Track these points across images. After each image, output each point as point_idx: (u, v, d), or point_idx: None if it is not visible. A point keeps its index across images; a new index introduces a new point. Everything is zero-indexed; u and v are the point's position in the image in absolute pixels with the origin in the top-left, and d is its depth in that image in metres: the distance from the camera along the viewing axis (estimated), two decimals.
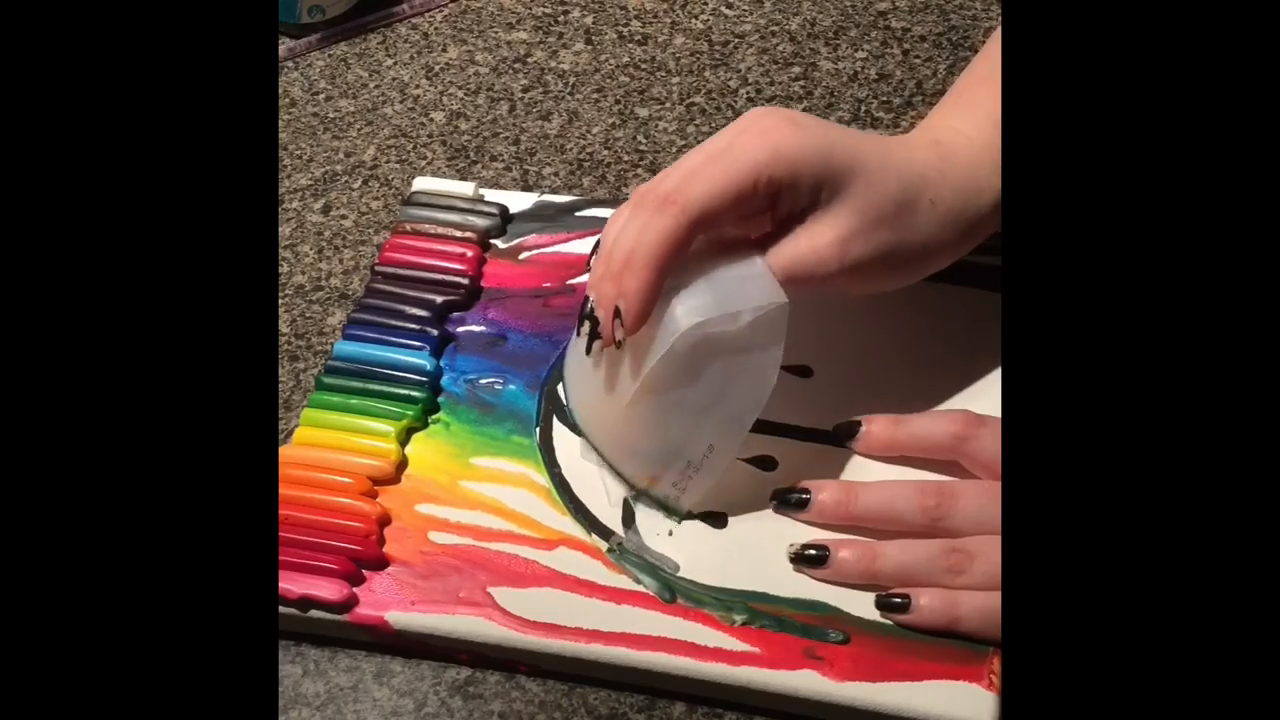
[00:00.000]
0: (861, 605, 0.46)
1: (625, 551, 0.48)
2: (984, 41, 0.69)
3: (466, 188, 0.60)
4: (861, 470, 0.49)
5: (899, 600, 0.45)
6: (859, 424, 0.50)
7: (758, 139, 0.46)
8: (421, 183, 0.61)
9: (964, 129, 0.50)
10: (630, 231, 0.46)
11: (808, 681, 0.44)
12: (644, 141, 0.65)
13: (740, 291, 0.46)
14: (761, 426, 0.50)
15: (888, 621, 0.45)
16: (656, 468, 0.48)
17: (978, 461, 0.48)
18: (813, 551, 0.47)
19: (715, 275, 0.46)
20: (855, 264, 0.47)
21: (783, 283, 0.46)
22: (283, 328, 0.57)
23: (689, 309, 0.45)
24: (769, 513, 0.49)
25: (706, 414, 0.47)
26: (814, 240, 0.47)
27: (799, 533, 0.48)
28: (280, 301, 0.58)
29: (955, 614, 0.45)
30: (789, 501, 0.48)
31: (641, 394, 0.46)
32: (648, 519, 0.49)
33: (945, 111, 0.52)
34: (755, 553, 0.48)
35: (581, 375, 0.50)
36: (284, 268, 0.60)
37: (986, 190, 0.49)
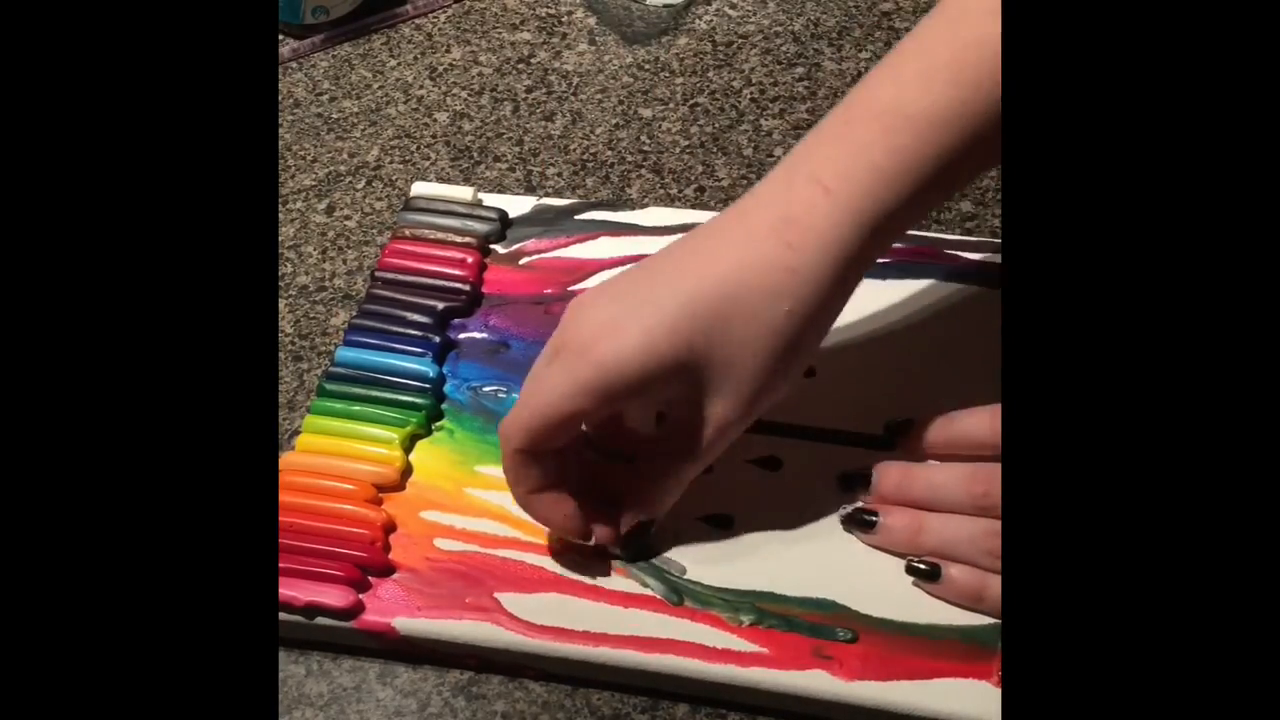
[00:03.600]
0: (869, 603, 0.46)
1: None
2: None
3: (465, 192, 0.60)
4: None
5: (928, 569, 0.46)
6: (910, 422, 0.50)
7: (582, 366, 0.43)
8: (420, 188, 0.61)
9: (828, 180, 0.44)
10: None
11: (817, 681, 0.44)
12: (647, 142, 0.65)
13: None
14: (766, 427, 0.50)
15: (896, 619, 0.46)
16: None
17: None
18: (863, 516, 0.48)
19: None
20: (735, 430, 0.46)
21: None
22: (286, 328, 0.57)
23: None
24: (774, 512, 0.49)
25: None
26: (683, 443, 0.46)
27: (805, 533, 0.48)
28: (284, 302, 0.58)
29: (982, 593, 0.45)
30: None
31: None
32: None
33: (809, 151, 0.45)
34: (761, 552, 0.48)
35: None
36: (288, 268, 0.60)
37: (851, 258, 0.44)
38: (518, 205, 0.60)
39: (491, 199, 0.60)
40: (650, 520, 0.47)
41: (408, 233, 0.58)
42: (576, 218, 0.59)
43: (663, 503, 0.47)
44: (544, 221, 0.59)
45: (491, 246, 0.58)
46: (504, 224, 0.59)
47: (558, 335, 0.45)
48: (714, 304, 0.43)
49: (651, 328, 0.43)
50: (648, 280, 0.45)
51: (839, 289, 0.44)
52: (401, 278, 0.57)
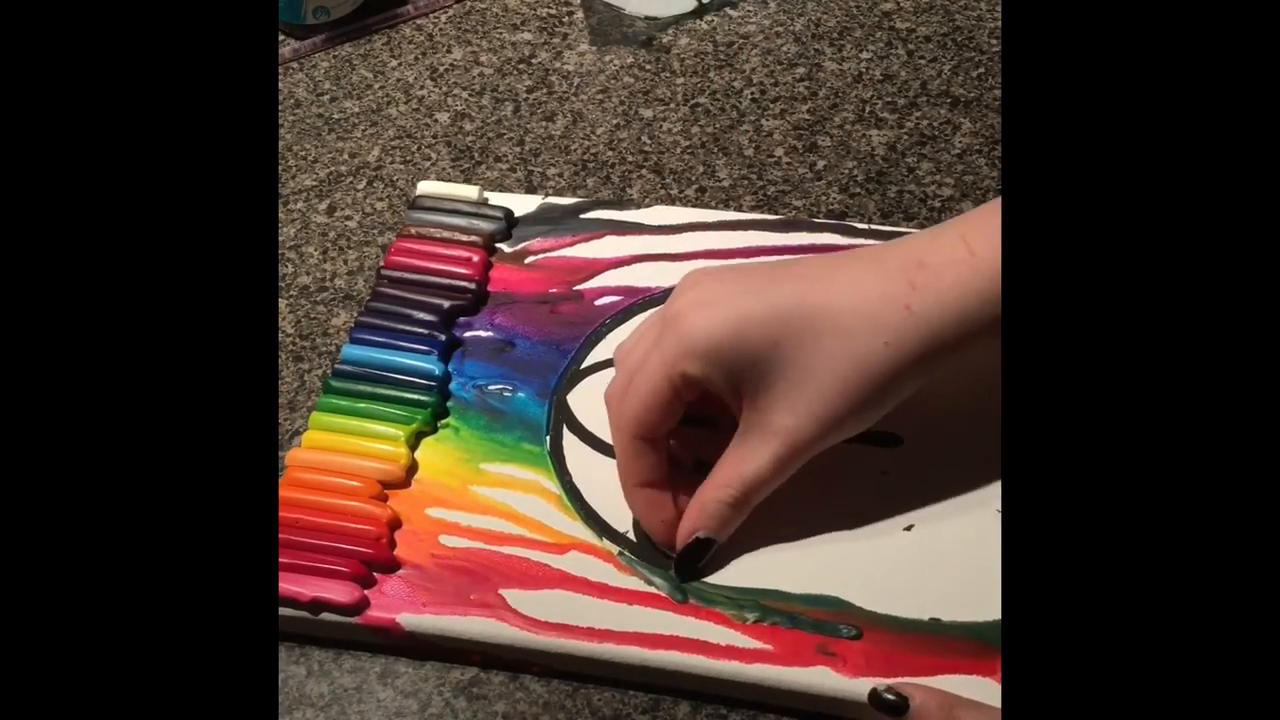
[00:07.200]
0: (874, 600, 0.46)
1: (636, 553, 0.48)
2: (989, 42, 0.69)
3: (471, 191, 0.60)
4: (864, 465, 0.50)
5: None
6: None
7: (671, 336, 0.45)
8: (426, 186, 0.61)
9: (975, 242, 0.44)
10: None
11: (821, 678, 0.44)
12: (648, 142, 0.65)
13: None
14: None
15: (900, 616, 0.46)
16: None
17: None
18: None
19: None
20: (804, 449, 0.45)
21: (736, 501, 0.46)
22: (287, 328, 0.57)
23: None
24: (779, 509, 0.49)
25: None
26: (747, 452, 0.46)
27: (809, 530, 0.48)
28: (285, 302, 0.58)
29: None
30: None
31: None
32: None
33: (968, 217, 0.46)
34: (766, 550, 0.48)
35: None
36: (289, 268, 0.60)
37: (972, 321, 0.44)
38: (524, 204, 0.60)
39: (497, 198, 0.61)
40: (708, 540, 0.46)
41: (414, 231, 0.58)
42: (582, 216, 0.60)
43: (720, 516, 0.46)
44: (550, 220, 0.59)
45: (497, 245, 0.59)
46: (510, 223, 0.59)
47: (664, 309, 0.46)
48: (813, 314, 0.44)
49: (743, 313, 0.44)
50: (760, 275, 0.46)
51: (944, 347, 0.44)
52: (407, 276, 0.57)
